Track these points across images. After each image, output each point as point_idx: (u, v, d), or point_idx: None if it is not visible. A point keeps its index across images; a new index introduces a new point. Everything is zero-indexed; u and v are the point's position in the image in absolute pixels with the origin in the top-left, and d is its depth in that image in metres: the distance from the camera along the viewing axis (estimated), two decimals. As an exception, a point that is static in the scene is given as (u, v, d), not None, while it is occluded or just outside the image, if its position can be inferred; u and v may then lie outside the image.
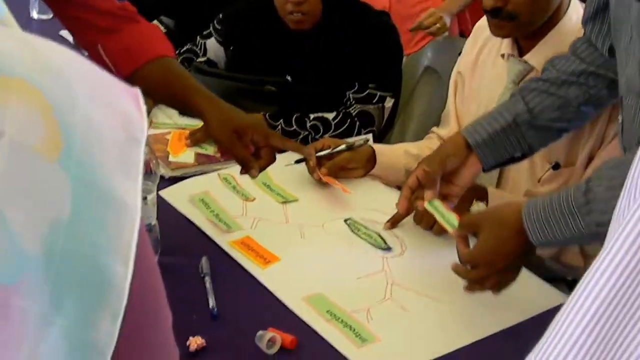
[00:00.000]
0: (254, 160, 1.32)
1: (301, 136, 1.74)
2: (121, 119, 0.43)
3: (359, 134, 1.76)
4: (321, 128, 1.74)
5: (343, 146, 1.58)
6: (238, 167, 1.35)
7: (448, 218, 1.27)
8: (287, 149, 1.38)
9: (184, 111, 1.30)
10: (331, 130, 1.74)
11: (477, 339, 1.17)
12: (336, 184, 1.53)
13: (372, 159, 1.60)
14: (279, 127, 1.73)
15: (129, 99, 0.44)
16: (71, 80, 0.42)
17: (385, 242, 1.40)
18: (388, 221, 1.45)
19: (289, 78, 1.81)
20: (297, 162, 1.58)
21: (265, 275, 1.28)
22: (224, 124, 1.29)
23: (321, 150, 1.56)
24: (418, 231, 1.44)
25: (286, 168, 1.57)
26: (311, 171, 1.56)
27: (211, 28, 1.89)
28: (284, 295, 1.24)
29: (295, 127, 1.73)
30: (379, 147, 1.62)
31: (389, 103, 1.81)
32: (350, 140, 1.62)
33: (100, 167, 0.41)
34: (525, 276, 1.30)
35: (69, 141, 0.40)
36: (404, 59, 1.89)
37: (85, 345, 0.40)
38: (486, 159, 1.31)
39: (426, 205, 1.29)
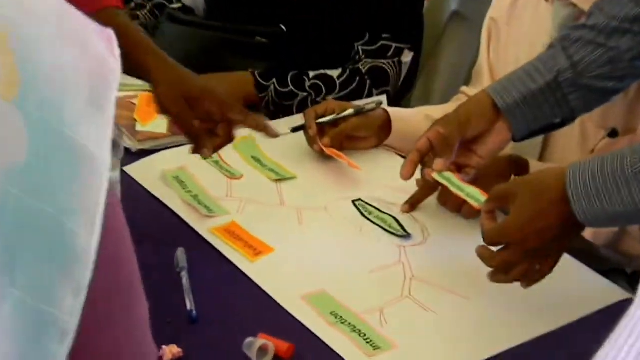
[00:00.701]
0: (206, 137, 1.33)
1: (299, 98, 1.75)
2: (93, 62, 0.44)
3: (370, 95, 1.77)
4: (323, 88, 1.75)
5: (350, 110, 1.58)
6: None
7: (468, 191, 1.28)
8: (249, 127, 1.39)
9: (132, 72, 1.31)
10: (336, 91, 1.75)
11: (514, 345, 1.18)
12: (342, 158, 1.53)
13: (386, 125, 1.61)
14: (271, 87, 1.74)
15: (102, 41, 0.46)
16: (39, 14, 0.43)
17: (403, 228, 1.41)
18: (406, 202, 1.46)
19: (283, 27, 1.81)
20: (294, 130, 1.59)
21: (255, 270, 1.29)
22: (172, 87, 1.30)
23: (323, 115, 1.57)
24: (444, 214, 1.46)
25: (280, 139, 1.57)
26: (311, 142, 1.57)
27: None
28: (278, 293, 1.25)
29: (291, 87, 1.75)
30: (395, 112, 1.63)
31: (407, 57, 1.81)
32: (360, 103, 1.63)
33: (65, 111, 0.42)
34: (574, 267, 1.32)
35: (29, 80, 0.41)
36: (426, 3, 1.89)
37: (44, 323, 0.41)
38: (518, 125, 1.31)
39: (435, 175, 1.30)
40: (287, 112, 1.74)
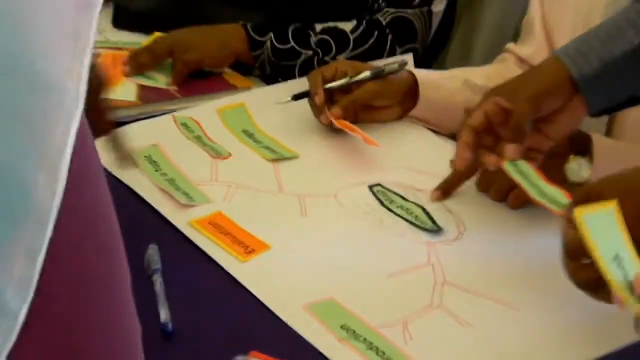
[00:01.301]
0: None
1: (302, 58, 1.76)
2: None
3: (392, 54, 1.78)
4: (333, 45, 1.76)
5: (367, 73, 1.59)
6: (205, 106, 1.34)
7: (546, 190, 1.27)
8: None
9: None
10: (349, 49, 1.76)
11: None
12: (356, 132, 1.54)
13: (412, 92, 1.62)
14: (268, 44, 1.76)
15: None
16: None
17: (432, 221, 1.41)
18: (438, 188, 1.46)
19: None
20: (296, 97, 1.59)
21: (246, 272, 1.29)
22: None
23: (333, 79, 1.58)
24: (484, 203, 1.45)
25: (278, 108, 1.58)
26: (317, 112, 1.58)
27: None
28: (275, 302, 1.24)
29: (292, 43, 1.76)
30: (424, 75, 1.64)
31: (439, 6, 1.83)
32: (379, 63, 1.63)
33: (29, 33, 0.43)
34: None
35: None
36: None
37: None
38: (596, 99, 1.30)
39: (506, 165, 1.29)
40: (287, 75, 1.76)
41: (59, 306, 0.46)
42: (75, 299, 0.47)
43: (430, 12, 1.81)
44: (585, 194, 1.19)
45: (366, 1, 1.81)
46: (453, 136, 1.59)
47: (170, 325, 1.18)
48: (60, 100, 0.44)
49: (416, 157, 1.53)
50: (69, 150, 0.44)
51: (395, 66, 1.61)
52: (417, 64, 1.73)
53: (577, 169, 1.43)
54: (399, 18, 1.79)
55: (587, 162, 1.43)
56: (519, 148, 1.29)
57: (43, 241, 0.43)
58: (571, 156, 1.44)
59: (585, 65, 1.29)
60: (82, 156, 0.46)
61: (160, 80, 1.67)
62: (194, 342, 1.19)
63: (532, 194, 1.28)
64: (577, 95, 1.30)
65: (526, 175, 1.29)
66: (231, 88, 1.74)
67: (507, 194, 1.43)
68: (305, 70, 1.71)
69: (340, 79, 1.58)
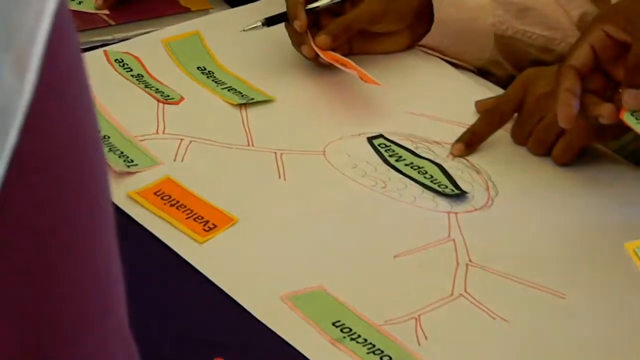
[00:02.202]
0: None
1: None
2: None
3: None
4: None
5: None
6: (147, 37, 1.34)
7: None
8: None
9: None
10: None
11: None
12: (350, 67, 1.54)
13: (424, 13, 1.63)
14: None
15: None
16: None
17: (453, 183, 1.42)
18: (460, 139, 1.47)
19: None
20: (269, 22, 1.60)
21: (206, 255, 1.31)
22: None
23: None
24: (521, 159, 1.47)
25: (245, 37, 1.60)
26: (297, 41, 1.59)
27: None
28: (246, 292, 1.26)
29: None
30: None
31: None
32: None
33: None
34: None
35: None
36: None
37: None
38: None
39: (626, 117, 1.31)
40: None
41: (22, 224, 0.50)
42: (42, 220, 0.51)
43: None
44: None
45: None
46: (479, 70, 1.62)
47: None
48: None
49: (430, 99, 1.54)
50: (42, 38, 0.46)
51: None
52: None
53: None
54: None
55: None
56: None
57: (4, 148, 0.46)
58: (627, 114, 1.42)
59: None
60: (60, 49, 0.48)
61: (86, 2, 1.67)
62: (141, 344, 1.20)
63: None
64: None
65: None
66: (182, 11, 1.74)
67: (551, 146, 1.44)
68: None
69: None
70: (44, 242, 0.55)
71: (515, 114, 1.48)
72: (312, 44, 1.56)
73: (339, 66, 1.55)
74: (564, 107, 1.33)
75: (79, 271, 0.59)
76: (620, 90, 1.33)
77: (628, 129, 1.38)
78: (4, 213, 0.50)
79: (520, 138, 1.48)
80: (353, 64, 1.54)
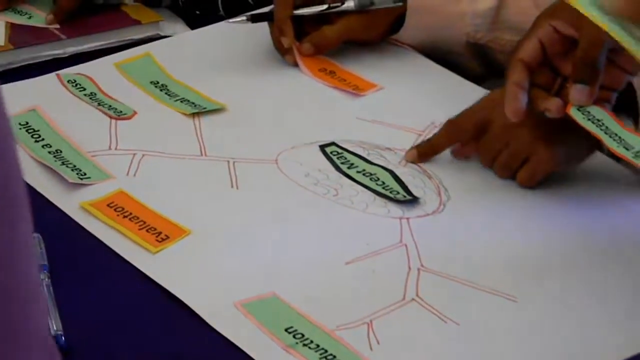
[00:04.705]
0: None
1: None
2: None
3: None
4: None
5: (351, 3, 1.63)
6: (98, 61, 1.45)
7: (629, 140, 1.31)
8: None
9: None
10: None
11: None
12: (334, 85, 1.60)
13: (399, 19, 1.66)
14: None
15: None
16: None
17: (405, 189, 1.44)
18: (416, 146, 1.49)
19: None
20: (254, 18, 1.64)
21: (159, 266, 1.32)
22: None
23: (304, 5, 1.63)
24: (473, 166, 1.49)
25: (197, 53, 1.64)
26: (280, 47, 1.63)
27: None
28: (200, 300, 1.26)
29: None
30: None
31: None
32: None
33: None
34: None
35: None
36: None
37: None
38: None
39: (572, 112, 1.33)
40: (208, 7, 1.78)
41: None
42: None
43: None
44: None
45: None
46: (446, 61, 1.65)
47: (62, 337, 1.20)
48: None
49: (383, 106, 1.56)
50: None
51: (390, 3, 1.64)
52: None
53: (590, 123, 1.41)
54: None
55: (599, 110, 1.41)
56: (591, 90, 1.34)
57: None
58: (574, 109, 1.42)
59: None
60: None
61: (37, 17, 1.67)
62: (94, 357, 1.20)
63: (612, 146, 1.31)
64: None
65: (601, 122, 1.32)
66: (132, 23, 1.74)
67: (516, 171, 1.45)
68: (231, 0, 1.75)
69: (315, 6, 1.62)
70: None
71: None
72: (297, 51, 1.61)
73: (316, 77, 1.61)
74: (511, 101, 1.35)
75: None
76: (568, 85, 1.35)
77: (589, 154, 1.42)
78: None
79: (485, 161, 1.48)
80: (338, 83, 1.61)
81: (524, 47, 1.37)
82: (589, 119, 1.33)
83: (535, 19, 1.40)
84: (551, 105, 1.35)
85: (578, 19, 1.33)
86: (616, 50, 1.35)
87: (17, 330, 0.63)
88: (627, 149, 1.31)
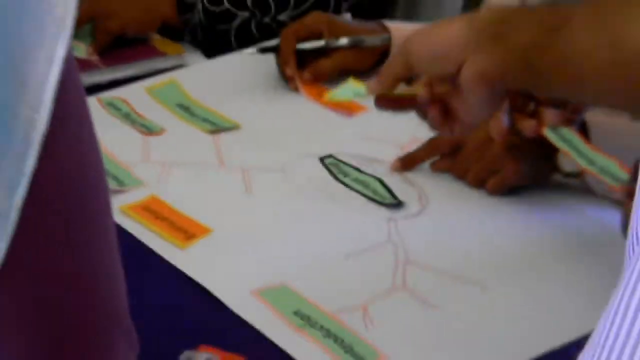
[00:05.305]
0: None
1: (238, 21, 1.77)
2: None
3: (337, 10, 1.78)
4: (272, 4, 1.77)
5: (345, 40, 1.63)
6: (132, 87, 1.41)
7: (596, 160, 1.28)
8: None
9: None
10: (290, 7, 1.77)
11: (548, 349, 1.20)
12: (321, 101, 1.58)
13: (386, 52, 1.64)
14: (199, 6, 1.76)
15: None
16: None
17: (392, 194, 1.43)
18: (400, 157, 1.48)
19: None
20: (262, 51, 1.64)
21: (187, 259, 1.31)
22: None
23: (306, 38, 1.62)
24: (448, 175, 1.47)
25: (215, 79, 1.62)
26: (284, 75, 1.62)
27: None
28: (222, 288, 1.26)
29: (227, 4, 1.76)
30: (399, 29, 1.65)
31: None
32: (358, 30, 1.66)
33: None
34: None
35: None
36: None
37: None
38: None
39: (547, 132, 1.31)
40: (222, 41, 1.76)
41: (38, 241, 0.49)
42: (55, 236, 0.51)
43: None
44: None
45: None
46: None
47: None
48: (45, 17, 0.46)
49: (376, 121, 1.54)
50: (53, 79, 0.47)
51: (377, 41, 1.63)
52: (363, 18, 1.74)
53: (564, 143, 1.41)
54: None
55: (569, 131, 1.39)
56: (562, 114, 1.31)
57: (23, 176, 0.46)
58: (548, 129, 1.41)
59: None
60: (67, 89, 0.48)
61: (80, 49, 1.66)
62: (138, 337, 1.20)
63: (582, 163, 1.29)
64: None
65: (571, 142, 1.30)
66: (160, 55, 1.75)
67: (486, 180, 1.45)
68: (241, 34, 1.74)
69: (314, 38, 1.62)
70: (61, 251, 0.54)
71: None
72: (300, 82, 1.60)
73: (314, 100, 1.60)
74: (496, 122, 1.31)
75: (90, 274, 0.59)
76: (541, 110, 1.32)
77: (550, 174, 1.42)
78: (26, 222, 0.49)
79: (458, 173, 1.47)
80: (331, 103, 1.58)
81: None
82: (560, 139, 1.31)
83: None
84: (527, 126, 1.32)
85: None
86: None
87: (102, 306, 0.62)
88: (593, 165, 1.29)
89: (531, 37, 1.10)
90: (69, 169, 0.52)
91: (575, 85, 1.08)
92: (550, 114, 1.30)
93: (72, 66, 0.50)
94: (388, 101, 1.24)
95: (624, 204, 1.24)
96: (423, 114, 1.20)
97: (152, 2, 1.78)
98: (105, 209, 0.57)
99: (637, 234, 0.51)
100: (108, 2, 1.76)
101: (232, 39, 1.76)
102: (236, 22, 1.77)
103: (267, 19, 1.76)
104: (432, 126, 1.20)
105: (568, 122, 1.32)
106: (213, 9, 1.77)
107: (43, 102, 0.47)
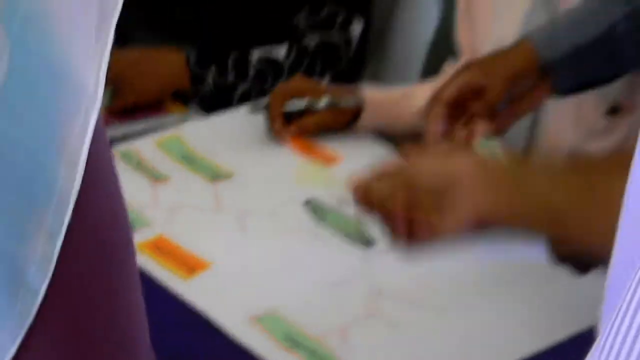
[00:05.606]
0: None
1: (240, 91, 1.80)
2: None
3: (321, 76, 1.83)
4: (269, 76, 1.80)
5: (324, 102, 1.66)
6: (144, 140, 1.43)
7: None
8: None
9: None
10: (283, 77, 1.80)
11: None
12: (312, 154, 1.62)
13: (358, 113, 1.68)
14: (210, 79, 1.79)
15: None
16: None
17: (366, 233, 1.45)
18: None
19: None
20: (254, 109, 1.67)
21: (191, 289, 1.33)
22: None
23: (291, 99, 1.65)
24: None
25: (215, 133, 1.65)
26: (274, 131, 1.64)
27: None
28: (221, 315, 1.28)
29: (233, 78, 1.80)
30: (371, 97, 1.68)
31: (356, 28, 1.87)
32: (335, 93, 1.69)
33: (55, 34, 0.46)
34: (566, 278, 1.39)
35: None
36: None
37: (11, 263, 0.45)
38: (564, 81, 1.37)
39: (480, 144, 1.33)
40: (225, 105, 1.78)
41: (75, 283, 0.49)
42: (89, 279, 0.50)
43: (349, 35, 1.85)
44: None
45: (294, 26, 1.84)
46: (395, 140, 1.66)
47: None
48: (81, 93, 0.46)
49: (350, 171, 1.57)
50: (87, 141, 0.47)
51: (352, 102, 1.66)
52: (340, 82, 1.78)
53: (488, 149, 1.41)
54: (324, 44, 1.82)
55: (497, 141, 1.43)
56: (491, 125, 1.34)
57: (62, 225, 0.46)
58: (481, 139, 1.43)
59: (554, 49, 1.35)
60: (98, 150, 0.48)
61: None
62: None
63: None
64: (545, 77, 1.36)
65: (498, 154, 1.31)
66: (167, 113, 1.77)
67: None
68: (242, 100, 1.76)
69: (298, 102, 1.64)
70: (92, 292, 0.53)
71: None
72: (287, 136, 1.63)
73: (298, 152, 1.63)
74: (432, 126, 1.35)
75: (119, 310, 0.57)
76: (474, 121, 1.36)
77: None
78: (64, 265, 0.48)
79: None
80: (315, 151, 1.63)
81: (445, 89, 1.37)
82: (489, 149, 1.33)
83: (455, 71, 1.41)
84: (460, 136, 1.35)
85: (487, 75, 1.36)
86: (511, 99, 1.37)
87: (129, 340, 0.61)
88: None
89: (562, 195, 1.08)
90: (99, 219, 0.51)
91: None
92: (483, 126, 1.33)
93: (101, 129, 0.50)
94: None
95: None
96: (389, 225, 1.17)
97: (168, 74, 1.79)
98: (132, 249, 0.57)
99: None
100: (128, 74, 1.75)
101: (234, 104, 1.78)
102: (239, 91, 1.80)
103: (265, 87, 1.77)
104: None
105: (498, 132, 1.36)
106: (222, 81, 1.79)
107: (79, 161, 0.47)
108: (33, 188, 0.45)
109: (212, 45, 1.82)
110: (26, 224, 0.45)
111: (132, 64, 1.76)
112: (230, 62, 1.80)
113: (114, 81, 1.73)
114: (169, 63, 1.80)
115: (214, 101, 1.79)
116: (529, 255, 1.41)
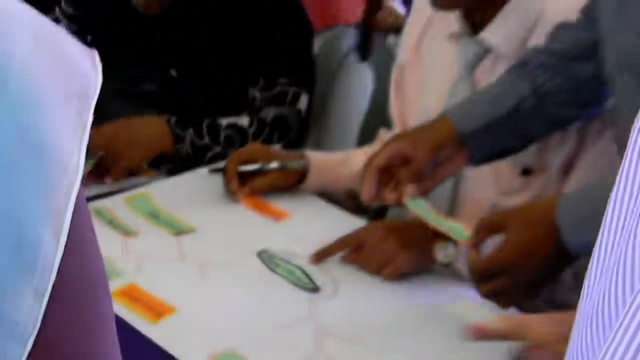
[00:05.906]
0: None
1: (211, 154, 1.81)
2: (72, 72, 0.48)
3: (279, 143, 1.86)
4: (236, 141, 1.82)
5: (276, 164, 1.68)
6: (115, 198, 1.40)
7: (449, 224, 1.33)
8: None
9: None
10: (247, 143, 1.82)
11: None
12: (258, 208, 1.63)
13: (303, 175, 1.70)
14: (188, 140, 1.79)
15: (83, 56, 0.50)
16: (15, 18, 0.46)
17: (311, 280, 1.47)
18: (316, 253, 1.51)
19: (173, 73, 1.87)
20: (213, 171, 1.68)
21: (158, 332, 1.33)
22: None
23: (246, 162, 1.66)
24: (354, 266, 1.52)
25: (178, 191, 1.65)
26: (230, 190, 1.65)
27: (57, 12, 1.92)
28: (185, 354, 1.28)
29: (207, 140, 1.80)
30: (313, 158, 1.70)
31: (303, 102, 1.89)
32: (284, 156, 1.70)
33: (40, 114, 0.46)
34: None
35: (2, 74, 0.45)
36: (316, 43, 1.98)
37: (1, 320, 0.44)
38: (478, 151, 1.41)
39: (408, 202, 1.35)
40: (195, 167, 1.78)
41: (59, 336, 0.48)
42: (73, 330, 0.50)
43: (298, 109, 1.88)
44: (491, 223, 1.27)
45: (251, 100, 1.87)
46: (337, 202, 1.69)
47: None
48: (64, 171, 0.46)
49: (301, 224, 1.62)
50: (69, 214, 0.46)
51: (299, 165, 1.68)
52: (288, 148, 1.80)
53: (444, 252, 1.47)
54: (279, 116, 1.84)
55: (452, 246, 1.46)
56: (418, 188, 1.37)
57: (47, 285, 0.46)
58: (438, 241, 1.46)
59: (469, 123, 1.39)
60: (79, 220, 0.47)
61: None
62: None
63: (432, 223, 1.33)
64: (463, 147, 1.40)
65: (425, 210, 1.35)
66: (144, 175, 1.77)
67: (383, 267, 1.47)
68: (210, 163, 1.77)
69: (252, 164, 1.66)
70: (76, 342, 0.51)
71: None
72: (242, 196, 1.65)
73: (252, 209, 1.65)
74: (366, 189, 1.39)
75: (99, 354, 0.54)
76: (403, 185, 1.39)
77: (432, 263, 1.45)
78: (46, 328, 0.47)
79: (363, 263, 1.50)
80: (266, 209, 1.65)
81: (377, 157, 1.40)
82: (417, 207, 1.36)
83: (388, 139, 1.45)
84: (390, 197, 1.38)
85: (414, 145, 1.39)
86: (435, 165, 1.41)
87: None
88: (442, 226, 1.35)
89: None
90: (79, 279, 0.50)
91: None
92: (411, 188, 1.36)
93: (82, 195, 0.49)
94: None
95: (467, 254, 1.30)
96: None
97: (154, 136, 1.79)
98: (109, 301, 0.55)
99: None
100: (119, 143, 1.74)
101: (204, 165, 1.77)
102: (210, 154, 1.81)
103: (231, 150, 1.76)
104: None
105: (423, 193, 1.38)
106: (198, 142, 1.80)
107: (63, 231, 0.46)
108: (23, 254, 0.45)
109: (185, 111, 1.83)
110: (14, 284, 0.45)
111: (121, 134, 1.75)
112: (205, 126, 1.81)
113: (105, 151, 1.72)
114: (153, 127, 1.80)
115: (186, 162, 1.79)
116: (462, 296, 1.45)
